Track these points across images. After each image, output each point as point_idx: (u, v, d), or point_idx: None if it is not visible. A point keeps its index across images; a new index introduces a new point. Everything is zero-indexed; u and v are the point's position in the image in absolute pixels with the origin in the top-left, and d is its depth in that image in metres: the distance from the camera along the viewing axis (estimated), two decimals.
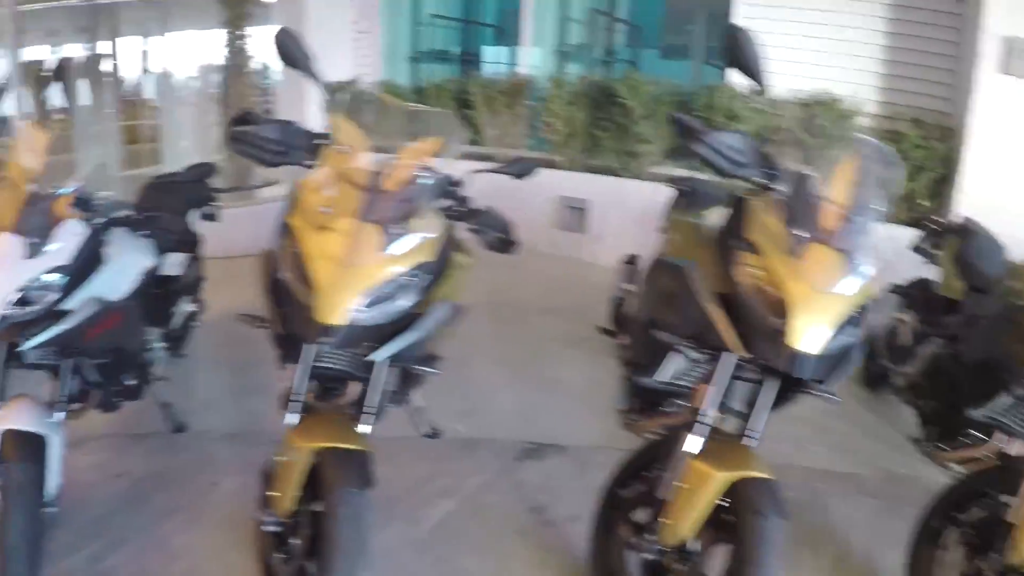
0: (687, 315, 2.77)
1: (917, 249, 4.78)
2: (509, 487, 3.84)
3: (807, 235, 2.57)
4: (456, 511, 3.61)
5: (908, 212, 6.30)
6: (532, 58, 9.55)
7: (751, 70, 2.70)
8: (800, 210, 2.63)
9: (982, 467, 3.27)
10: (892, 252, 4.94)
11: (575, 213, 7.88)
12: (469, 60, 11.03)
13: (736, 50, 2.70)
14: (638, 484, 2.94)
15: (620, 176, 7.64)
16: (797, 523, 3.70)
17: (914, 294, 4.75)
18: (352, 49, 9.91)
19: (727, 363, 2.69)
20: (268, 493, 2.79)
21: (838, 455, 4.45)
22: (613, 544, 3.00)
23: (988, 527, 3.02)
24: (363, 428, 2.80)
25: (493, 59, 10.83)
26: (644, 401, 3.26)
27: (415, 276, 2.66)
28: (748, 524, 2.54)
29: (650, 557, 2.81)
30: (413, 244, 2.65)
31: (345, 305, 2.50)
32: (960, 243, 4.28)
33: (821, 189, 2.69)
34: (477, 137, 8.52)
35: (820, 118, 6.68)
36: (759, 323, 2.55)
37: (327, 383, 3.02)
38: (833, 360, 2.60)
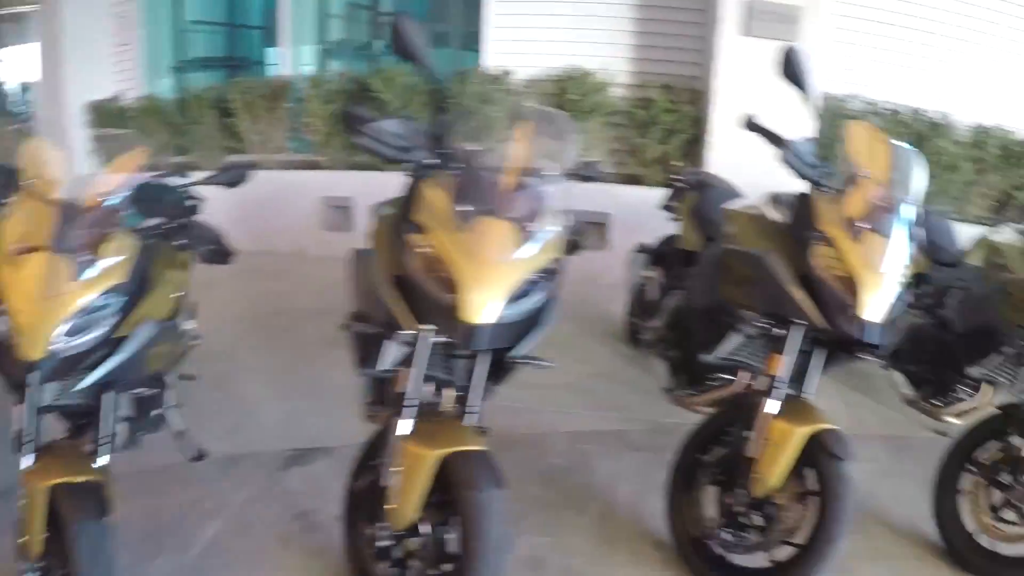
0: (377, 302, 2.77)
1: (666, 207, 4.92)
2: (275, 497, 3.78)
3: (474, 209, 2.58)
4: (224, 530, 3.52)
5: (663, 174, 6.49)
6: (295, 58, 9.37)
7: (416, 56, 2.72)
8: (469, 186, 2.65)
9: (723, 407, 3.38)
10: (646, 213, 5.12)
11: (341, 212, 7.73)
12: (236, 65, 10.72)
13: (400, 38, 2.70)
14: (367, 475, 2.92)
15: (382, 171, 7.56)
16: (561, 487, 3.81)
17: (661, 251, 4.88)
18: (114, 64, 9.52)
19: (424, 345, 2.67)
20: (19, 540, 2.66)
21: (603, 414, 4.56)
22: (360, 538, 2.97)
23: (732, 463, 3.12)
24: (101, 460, 2.74)
25: (259, 62, 10.62)
26: (381, 391, 3.23)
27: (110, 300, 2.64)
28: (464, 499, 2.55)
29: (389, 544, 2.79)
30: (105, 267, 2.63)
31: (45, 338, 2.47)
32: (696, 197, 4.42)
33: (492, 162, 2.72)
34: (240, 145, 8.28)
35: (571, 93, 6.81)
36: (434, 301, 2.55)
37: (77, 419, 2.92)
38: (517, 327, 2.62)
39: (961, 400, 4.46)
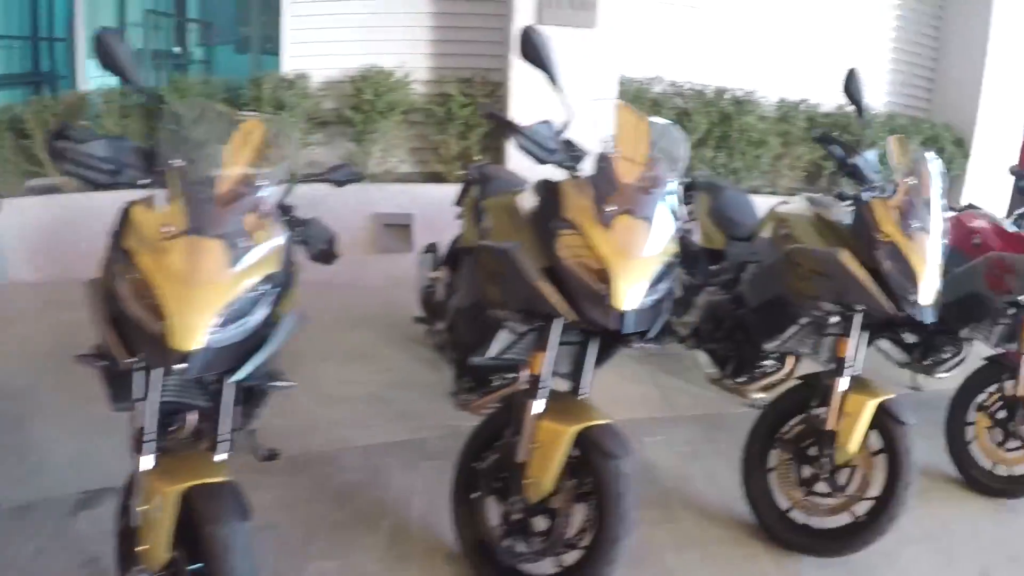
0: (101, 335, 2.56)
1: (457, 204, 4.79)
2: (64, 545, 3.53)
3: (175, 230, 2.37)
4: None
5: (463, 170, 6.40)
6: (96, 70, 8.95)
7: (122, 71, 2.52)
8: (177, 204, 2.45)
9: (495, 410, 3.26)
10: (449, 211, 4.99)
11: None
12: (41, 81, 10.21)
13: (105, 53, 2.51)
14: (125, 517, 2.69)
15: None
16: (353, 505, 3.69)
17: (452, 250, 4.76)
18: None
19: (156, 376, 2.48)
20: None
21: (400, 424, 4.42)
22: None
23: (505, 470, 3.01)
24: None
25: (67, 76, 10.09)
26: None
27: None
28: (207, 535, 2.36)
29: None
30: None
31: None
32: (479, 191, 4.31)
33: (203, 176, 2.52)
34: (40, 169, 7.84)
35: (367, 92, 6.66)
36: (144, 331, 2.35)
37: None
38: (239, 348, 2.43)
39: (765, 375, 4.48)
